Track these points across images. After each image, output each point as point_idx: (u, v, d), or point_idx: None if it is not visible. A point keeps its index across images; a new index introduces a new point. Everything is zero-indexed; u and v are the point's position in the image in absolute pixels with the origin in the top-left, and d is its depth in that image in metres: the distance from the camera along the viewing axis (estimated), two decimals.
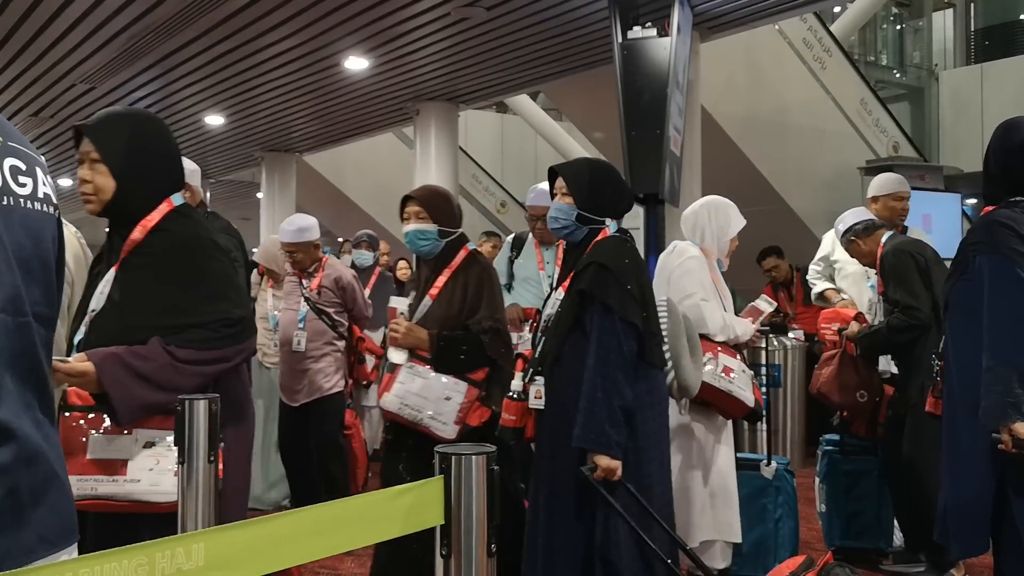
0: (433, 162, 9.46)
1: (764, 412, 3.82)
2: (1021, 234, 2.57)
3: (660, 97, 5.60)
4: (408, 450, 3.17)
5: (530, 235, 4.86)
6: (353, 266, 6.57)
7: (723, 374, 3.47)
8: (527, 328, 4.35)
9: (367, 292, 5.80)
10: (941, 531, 2.86)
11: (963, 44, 14.42)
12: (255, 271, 5.48)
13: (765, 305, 3.94)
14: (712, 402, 3.52)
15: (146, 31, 7.20)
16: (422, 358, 3.11)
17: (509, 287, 4.88)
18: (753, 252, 7.25)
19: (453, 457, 1.44)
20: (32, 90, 9.11)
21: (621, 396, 2.68)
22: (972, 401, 2.61)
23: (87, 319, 2.27)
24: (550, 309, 2.98)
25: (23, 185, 1.20)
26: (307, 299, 4.71)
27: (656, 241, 5.57)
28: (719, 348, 3.51)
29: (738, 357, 3.59)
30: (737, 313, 3.90)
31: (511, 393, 2.93)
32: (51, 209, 1.24)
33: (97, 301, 2.27)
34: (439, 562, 1.45)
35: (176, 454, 2.00)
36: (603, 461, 2.65)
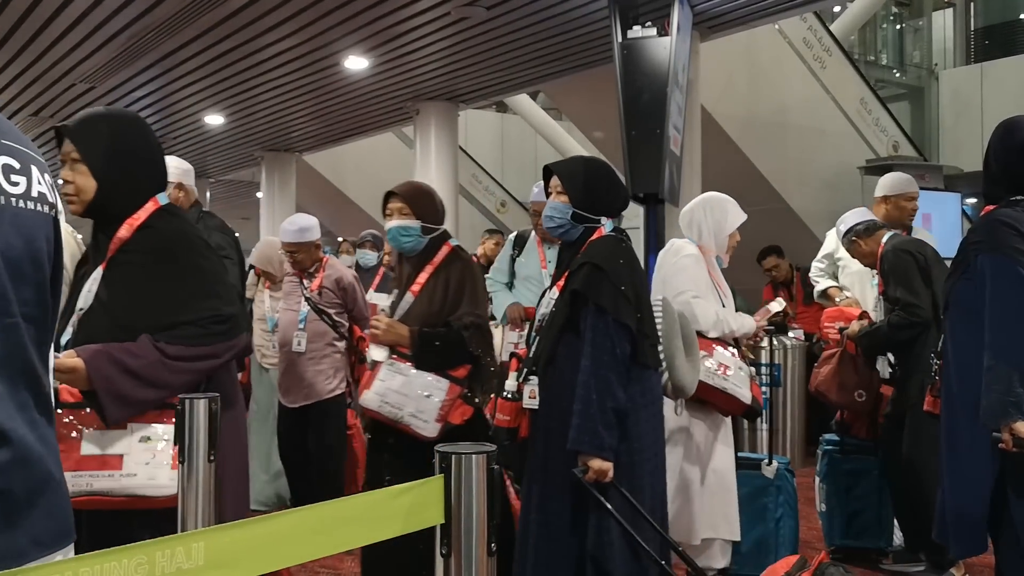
0: (433, 162, 9.46)
1: (763, 410, 3.82)
2: (1023, 233, 2.57)
3: (660, 96, 5.60)
4: (389, 449, 3.13)
5: (533, 233, 4.84)
6: (357, 266, 6.57)
7: (718, 372, 3.46)
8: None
9: (371, 292, 5.80)
10: (939, 530, 2.86)
11: (963, 44, 14.42)
12: (252, 272, 5.46)
13: (775, 305, 3.97)
14: (708, 400, 3.51)
15: (146, 31, 7.20)
16: (403, 355, 3.07)
17: (511, 285, 4.87)
18: (753, 252, 7.25)
19: (453, 456, 1.44)
20: (32, 90, 9.11)
21: (614, 398, 2.66)
22: (972, 401, 2.61)
23: (74, 319, 2.27)
24: (544, 308, 2.96)
25: (15, 184, 1.19)
26: (308, 299, 4.70)
27: (656, 240, 5.56)
28: (714, 345, 3.51)
29: (735, 354, 3.58)
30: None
31: (505, 393, 2.91)
32: (46, 208, 1.23)
33: (84, 300, 2.27)
34: (439, 561, 1.45)
35: (172, 448, 2.00)
36: (595, 463, 2.64)
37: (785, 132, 9.28)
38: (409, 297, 3.18)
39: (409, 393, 3.00)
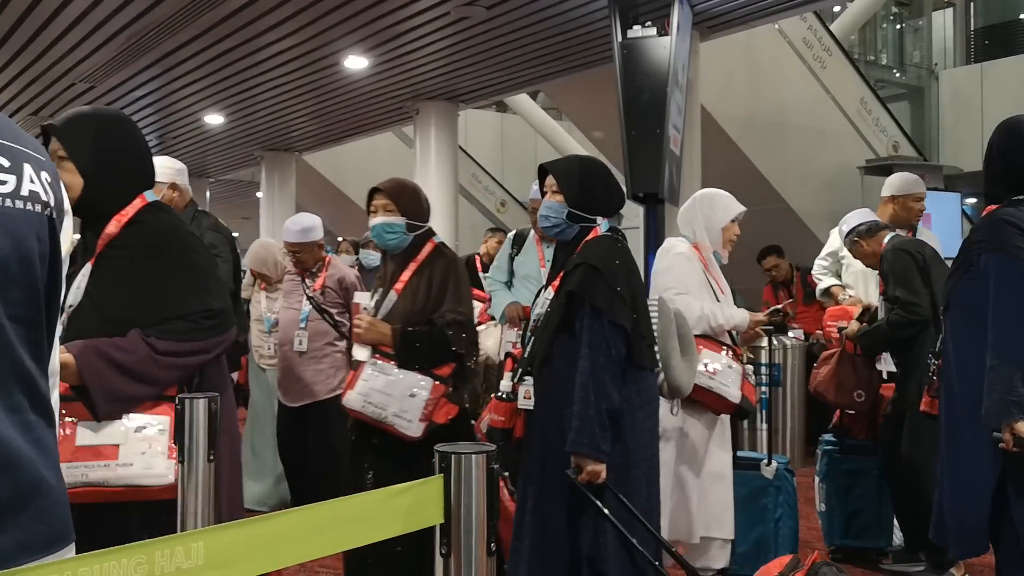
0: (433, 161, 9.46)
1: (763, 409, 3.81)
2: None
3: (660, 96, 5.60)
4: (373, 450, 3.10)
5: (532, 232, 4.83)
6: (360, 266, 6.56)
7: (704, 371, 3.45)
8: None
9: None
10: (937, 531, 2.85)
11: (963, 43, 14.43)
12: (248, 272, 5.46)
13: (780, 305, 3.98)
14: (699, 399, 3.51)
15: (146, 30, 7.20)
16: (386, 354, 3.04)
17: (510, 284, 4.86)
18: (753, 252, 7.25)
19: (453, 456, 1.44)
20: (32, 89, 9.11)
21: (609, 400, 2.65)
22: (973, 401, 2.60)
23: (64, 316, 2.26)
24: (540, 308, 2.94)
25: (3, 183, 1.18)
26: (310, 298, 4.70)
27: (656, 240, 5.56)
28: (700, 344, 3.49)
29: (726, 353, 3.56)
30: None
31: (500, 394, 2.89)
32: (37, 207, 1.21)
33: (74, 297, 2.27)
34: (439, 561, 1.45)
35: (168, 437, 2.00)
36: (588, 465, 2.62)
37: (785, 132, 9.28)
38: (393, 295, 3.15)
39: (392, 393, 2.97)
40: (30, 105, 9.73)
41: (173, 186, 3.95)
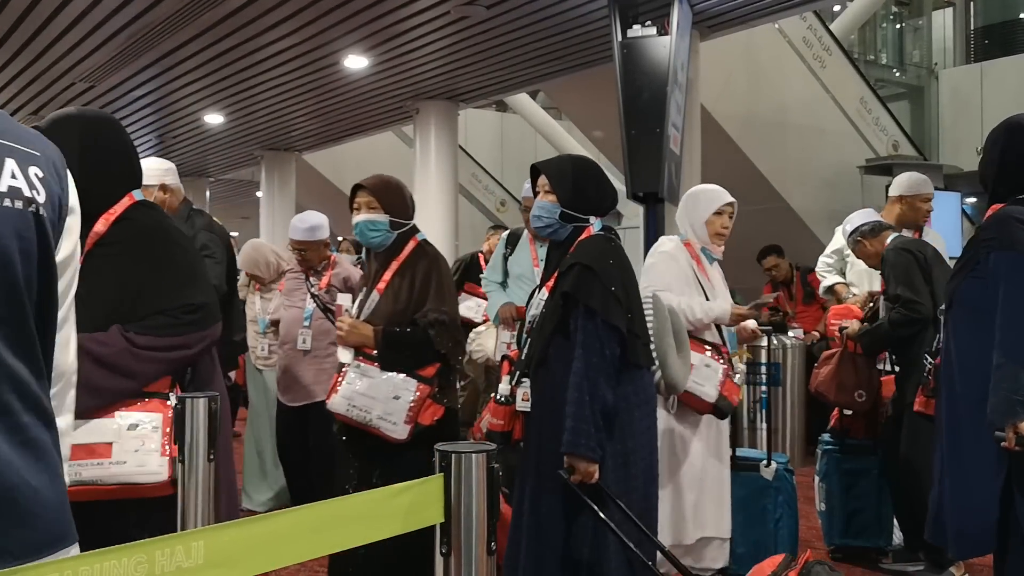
0: (433, 161, 9.46)
1: (760, 409, 3.80)
2: None
3: (660, 96, 5.60)
4: (360, 453, 3.08)
5: (525, 231, 4.82)
6: (363, 266, 6.55)
7: None
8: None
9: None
10: (933, 531, 2.84)
11: (963, 43, 14.43)
12: (243, 273, 5.44)
13: (768, 298, 3.96)
14: (679, 398, 3.50)
15: (145, 29, 7.20)
16: (370, 356, 3.00)
17: (505, 284, 4.85)
18: (753, 251, 7.25)
19: (453, 455, 1.44)
20: (32, 88, 9.11)
21: (602, 400, 2.64)
22: (976, 401, 2.58)
23: None
24: (534, 310, 2.92)
25: None
26: (315, 297, 4.69)
27: (656, 240, 5.56)
28: None
29: (710, 353, 3.53)
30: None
31: (499, 397, 2.87)
32: (19, 204, 1.18)
33: None
34: (439, 560, 1.45)
35: (161, 435, 1.99)
36: (581, 465, 2.61)
37: (785, 131, 9.28)
38: (375, 295, 3.11)
39: (376, 395, 2.93)
40: (30, 104, 9.74)
41: (163, 187, 3.90)
